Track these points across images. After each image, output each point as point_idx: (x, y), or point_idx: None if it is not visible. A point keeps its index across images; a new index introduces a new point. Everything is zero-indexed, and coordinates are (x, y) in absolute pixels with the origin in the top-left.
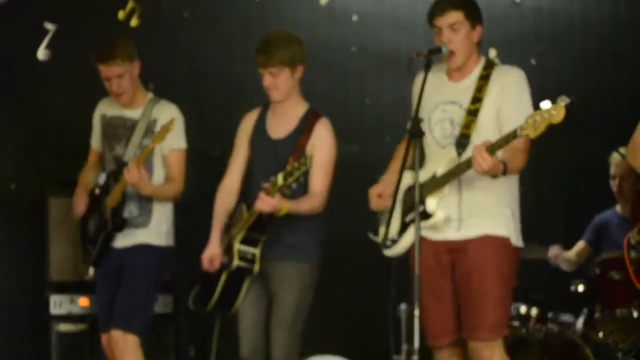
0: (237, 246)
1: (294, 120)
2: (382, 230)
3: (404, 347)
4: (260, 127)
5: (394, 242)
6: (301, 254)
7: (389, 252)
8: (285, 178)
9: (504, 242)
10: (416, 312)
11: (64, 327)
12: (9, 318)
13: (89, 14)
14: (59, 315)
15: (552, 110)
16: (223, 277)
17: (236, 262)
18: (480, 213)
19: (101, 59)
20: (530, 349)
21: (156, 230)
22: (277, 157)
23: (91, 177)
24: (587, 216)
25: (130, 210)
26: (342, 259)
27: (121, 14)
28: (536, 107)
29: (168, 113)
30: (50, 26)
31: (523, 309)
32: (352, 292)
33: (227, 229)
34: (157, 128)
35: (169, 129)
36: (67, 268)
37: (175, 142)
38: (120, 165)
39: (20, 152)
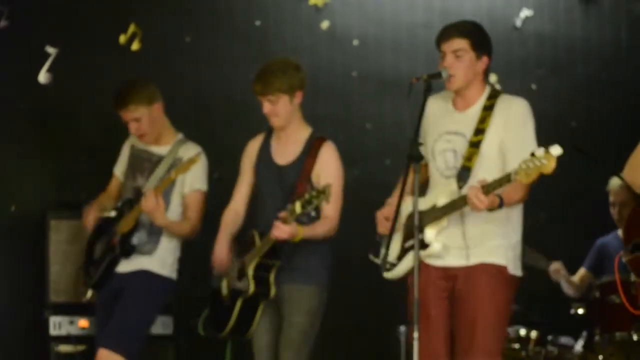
0: (252, 272)
1: (298, 145)
2: (382, 252)
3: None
4: (264, 153)
5: (393, 265)
6: (310, 277)
7: (388, 275)
8: (303, 206)
9: (500, 270)
10: (415, 335)
11: (64, 348)
12: (9, 339)
13: (90, 38)
14: (58, 336)
15: (543, 159)
16: (239, 304)
17: (252, 288)
18: (483, 242)
19: (116, 104)
20: None
21: (160, 260)
22: (283, 183)
23: (106, 202)
24: (588, 242)
25: (140, 237)
26: (343, 281)
27: (122, 38)
28: (538, 134)
29: (194, 152)
30: (51, 50)
31: (523, 332)
32: (353, 314)
33: (237, 254)
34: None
35: (194, 161)
36: (67, 289)
37: (198, 183)
38: (138, 195)
39: (20, 175)
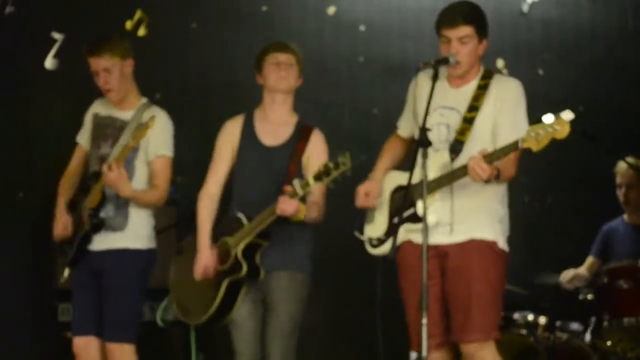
0: (242, 253)
1: (288, 127)
2: (367, 228)
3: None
4: (249, 135)
5: (381, 241)
6: (299, 265)
7: (375, 251)
8: (318, 178)
9: (490, 245)
10: (424, 320)
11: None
12: (18, 326)
13: (96, 23)
14: (66, 322)
15: (555, 124)
16: (224, 285)
17: (246, 268)
18: (469, 218)
19: (90, 51)
20: (538, 357)
21: (134, 234)
22: (271, 164)
23: (71, 184)
24: (594, 226)
25: (107, 211)
26: (347, 265)
27: (129, 24)
28: (541, 117)
29: (157, 117)
30: (57, 36)
31: (531, 317)
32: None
33: (217, 236)
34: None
35: (148, 126)
36: None
37: (162, 148)
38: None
39: (28, 160)
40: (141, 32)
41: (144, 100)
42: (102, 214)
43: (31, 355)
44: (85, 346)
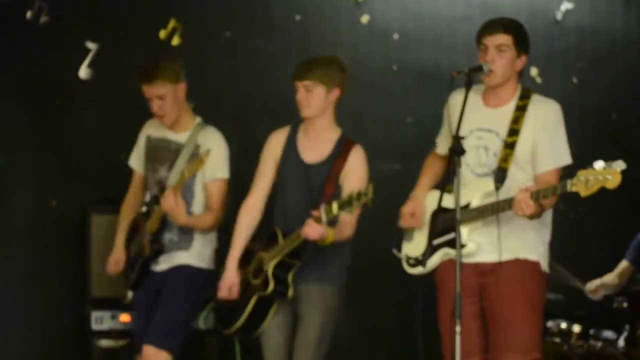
0: (272, 270)
1: (328, 144)
2: (406, 246)
3: None
4: (291, 150)
5: (418, 261)
6: (330, 277)
7: (412, 271)
8: (341, 207)
9: (534, 266)
10: (457, 329)
11: (105, 342)
12: (51, 334)
13: (130, 33)
14: (100, 331)
15: (607, 174)
16: (253, 301)
17: (272, 287)
18: (515, 238)
19: (143, 79)
20: None
21: (198, 253)
22: (309, 182)
23: (131, 211)
24: (628, 234)
25: (171, 237)
26: (379, 278)
27: (162, 33)
28: (580, 126)
29: (212, 140)
30: (92, 45)
31: (565, 325)
32: (395, 311)
33: (253, 251)
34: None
35: (202, 161)
36: (108, 284)
37: (218, 171)
38: (163, 189)
39: (62, 169)
40: (175, 41)
41: (198, 119)
42: (167, 239)
43: None
44: (154, 355)
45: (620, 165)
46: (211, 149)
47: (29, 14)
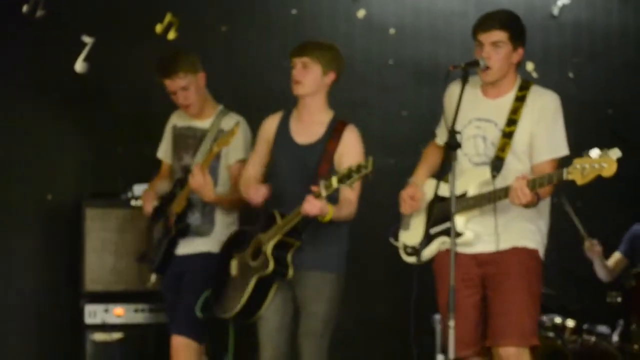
0: (271, 251)
1: (320, 126)
2: (403, 235)
3: (439, 357)
4: (283, 132)
5: (415, 250)
6: (330, 264)
7: (409, 260)
8: (341, 180)
9: (532, 253)
10: (451, 323)
11: (99, 336)
12: (45, 327)
13: (126, 27)
14: (93, 324)
15: (603, 162)
16: (253, 282)
17: (272, 266)
18: (513, 227)
19: (164, 73)
20: None
21: (218, 240)
22: (303, 163)
23: (160, 185)
24: (624, 228)
25: (194, 218)
26: (376, 268)
27: (159, 27)
28: (577, 121)
29: (233, 123)
30: (87, 39)
31: (559, 320)
32: (389, 302)
33: (250, 234)
34: None
35: (234, 132)
36: (102, 278)
37: (241, 152)
38: (187, 173)
39: (56, 163)
40: (171, 35)
41: (221, 107)
42: (190, 221)
43: (57, 356)
44: (184, 345)
45: (616, 153)
46: (239, 123)
47: (25, 8)
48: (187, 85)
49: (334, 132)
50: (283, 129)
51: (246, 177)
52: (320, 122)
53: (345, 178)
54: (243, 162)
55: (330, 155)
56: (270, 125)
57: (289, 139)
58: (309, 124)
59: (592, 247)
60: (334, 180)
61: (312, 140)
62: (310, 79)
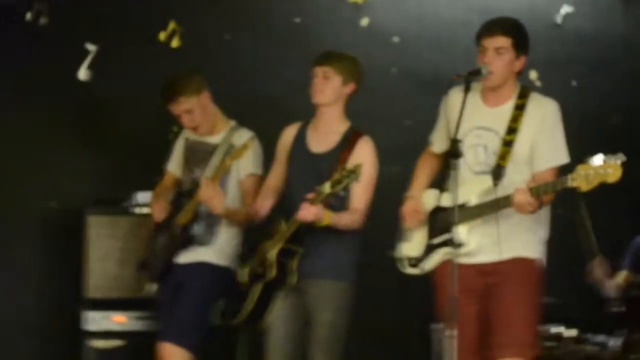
0: (274, 257)
1: (335, 135)
2: (404, 246)
3: None
4: (300, 141)
5: (418, 261)
6: (340, 273)
7: (411, 271)
8: (332, 186)
9: (534, 264)
10: (452, 333)
11: (98, 343)
12: (45, 334)
13: (130, 35)
14: (93, 331)
15: (608, 167)
16: (258, 288)
17: (274, 272)
18: (514, 237)
19: (167, 99)
20: None
21: (218, 250)
22: (317, 171)
23: (164, 197)
24: (628, 237)
25: (198, 228)
26: (382, 278)
27: (162, 35)
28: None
29: (247, 138)
30: (91, 47)
31: (559, 330)
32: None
33: (260, 242)
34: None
35: (247, 146)
36: (103, 285)
37: (252, 167)
38: (196, 186)
39: (60, 170)
40: (175, 43)
41: (233, 123)
42: (194, 231)
43: None
44: (177, 354)
45: (620, 157)
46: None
47: (28, 16)
48: (190, 109)
49: (348, 142)
50: (300, 138)
51: (264, 188)
52: (336, 131)
53: (336, 183)
54: (254, 176)
55: (343, 164)
56: (288, 134)
57: (304, 147)
58: (325, 134)
59: (601, 266)
60: (327, 186)
61: (327, 149)
62: (330, 89)
